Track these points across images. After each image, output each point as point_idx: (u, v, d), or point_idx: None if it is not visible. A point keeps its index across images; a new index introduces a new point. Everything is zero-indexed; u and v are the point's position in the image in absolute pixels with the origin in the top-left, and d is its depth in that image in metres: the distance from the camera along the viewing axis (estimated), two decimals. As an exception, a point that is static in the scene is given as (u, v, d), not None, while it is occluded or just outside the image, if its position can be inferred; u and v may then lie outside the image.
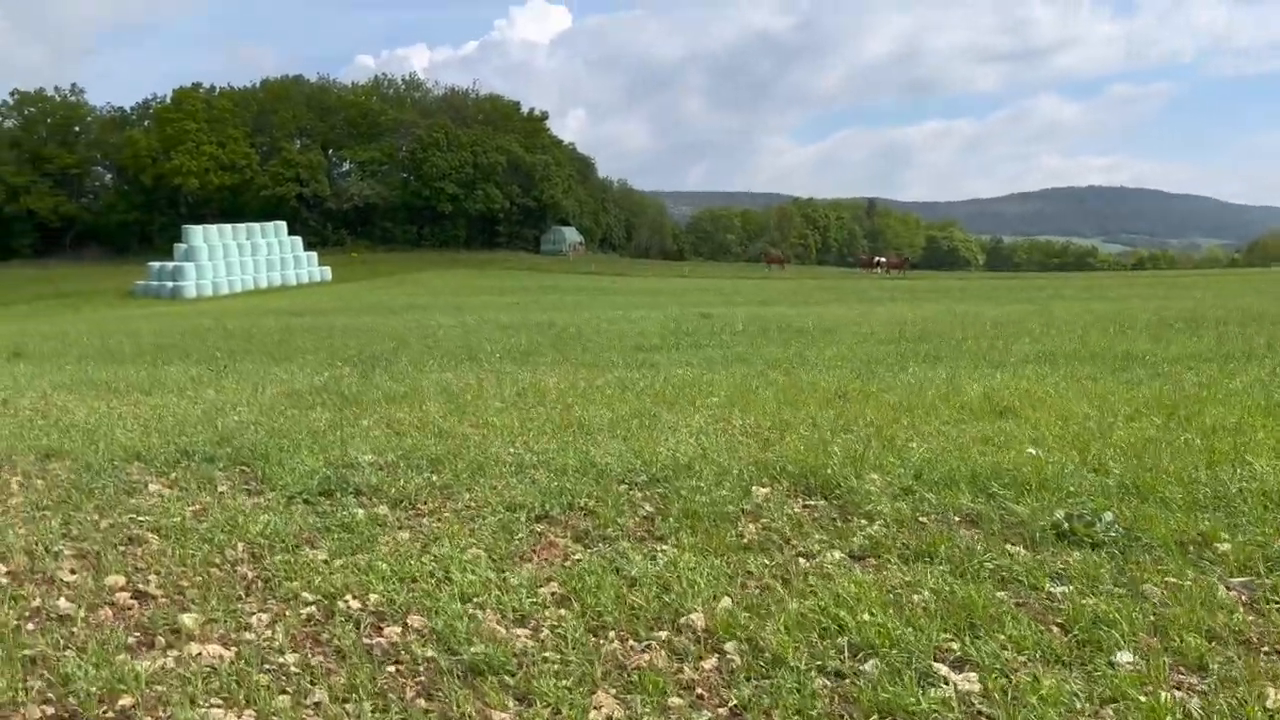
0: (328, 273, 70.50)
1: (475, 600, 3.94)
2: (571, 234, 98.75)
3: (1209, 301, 24.60)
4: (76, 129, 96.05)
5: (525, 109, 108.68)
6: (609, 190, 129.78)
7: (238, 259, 65.11)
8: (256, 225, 69.27)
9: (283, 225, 71.15)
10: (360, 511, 5.20)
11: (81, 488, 5.87)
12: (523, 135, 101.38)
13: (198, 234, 64.08)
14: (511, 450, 6.40)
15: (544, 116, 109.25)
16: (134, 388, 10.45)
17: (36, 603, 4.08)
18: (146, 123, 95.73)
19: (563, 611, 3.80)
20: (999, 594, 3.71)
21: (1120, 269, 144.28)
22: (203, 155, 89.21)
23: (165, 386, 10.47)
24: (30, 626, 3.86)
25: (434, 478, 5.82)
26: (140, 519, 5.23)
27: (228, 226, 67.55)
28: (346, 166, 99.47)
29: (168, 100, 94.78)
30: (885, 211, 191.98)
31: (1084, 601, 3.60)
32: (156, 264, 63.58)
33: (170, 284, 59.86)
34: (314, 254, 72.15)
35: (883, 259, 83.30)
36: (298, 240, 70.78)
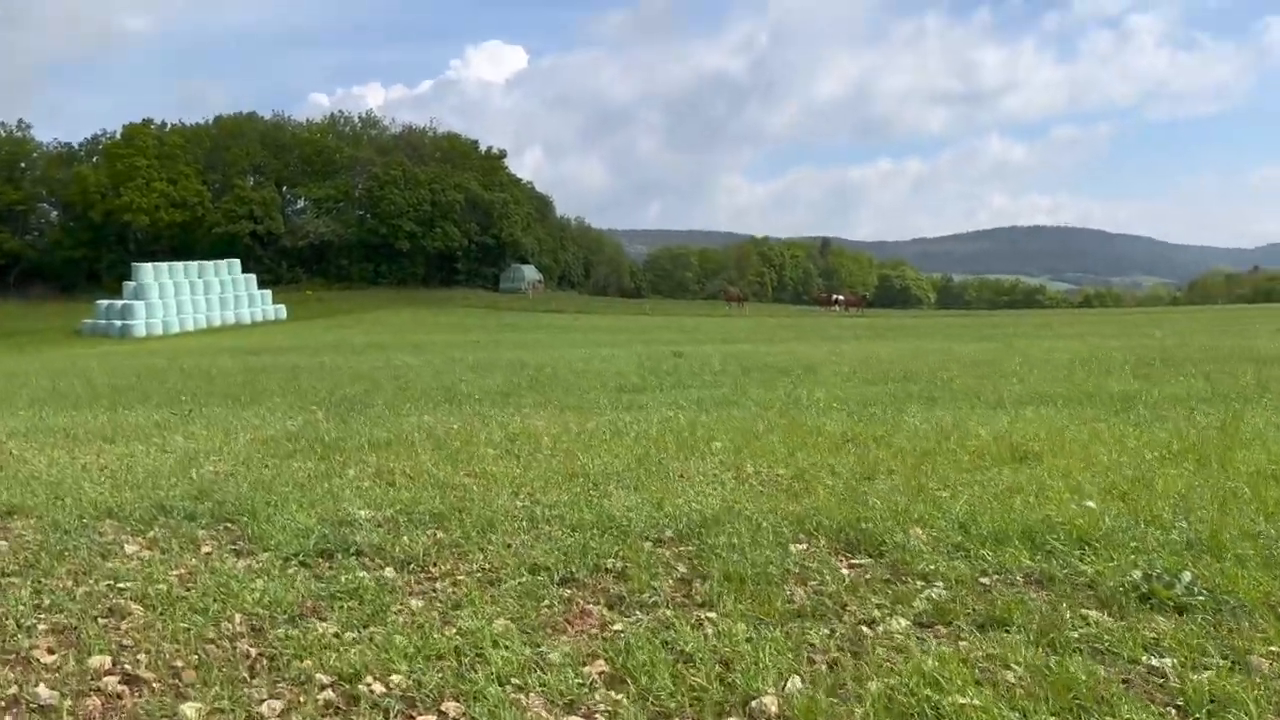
0: (283, 311, 69.37)
1: (514, 682, 3.53)
2: (530, 272, 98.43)
3: (1172, 340, 24.86)
4: (22, 165, 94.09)
5: (483, 148, 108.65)
6: (567, 228, 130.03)
7: (189, 297, 63.85)
8: (209, 263, 68.11)
9: (236, 263, 70.05)
10: (365, 575, 4.76)
11: (51, 550, 5.36)
12: (481, 173, 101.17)
13: (148, 271, 62.76)
14: (519, 503, 6.00)
15: (502, 155, 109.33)
16: (95, 434, 9.86)
17: (13, 690, 3.59)
18: (95, 159, 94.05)
19: (617, 695, 3.41)
20: (1098, 669, 3.38)
21: (1068, 306, 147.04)
22: (153, 192, 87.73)
23: (128, 433, 9.89)
24: (8, 720, 3.39)
25: (440, 534, 5.40)
26: (121, 586, 4.74)
27: (179, 264, 66.34)
28: (301, 204, 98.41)
29: (118, 136, 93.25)
30: (839, 250, 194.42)
31: (1193, 677, 3.29)
32: (104, 302, 62.10)
33: (119, 322, 58.42)
34: (268, 292, 71.04)
35: (840, 297, 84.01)
36: (251, 278, 69.67)
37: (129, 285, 62.23)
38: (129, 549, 5.43)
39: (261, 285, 71.48)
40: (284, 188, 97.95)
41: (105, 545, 5.47)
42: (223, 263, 68.87)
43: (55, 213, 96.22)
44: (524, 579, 4.60)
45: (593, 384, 14.18)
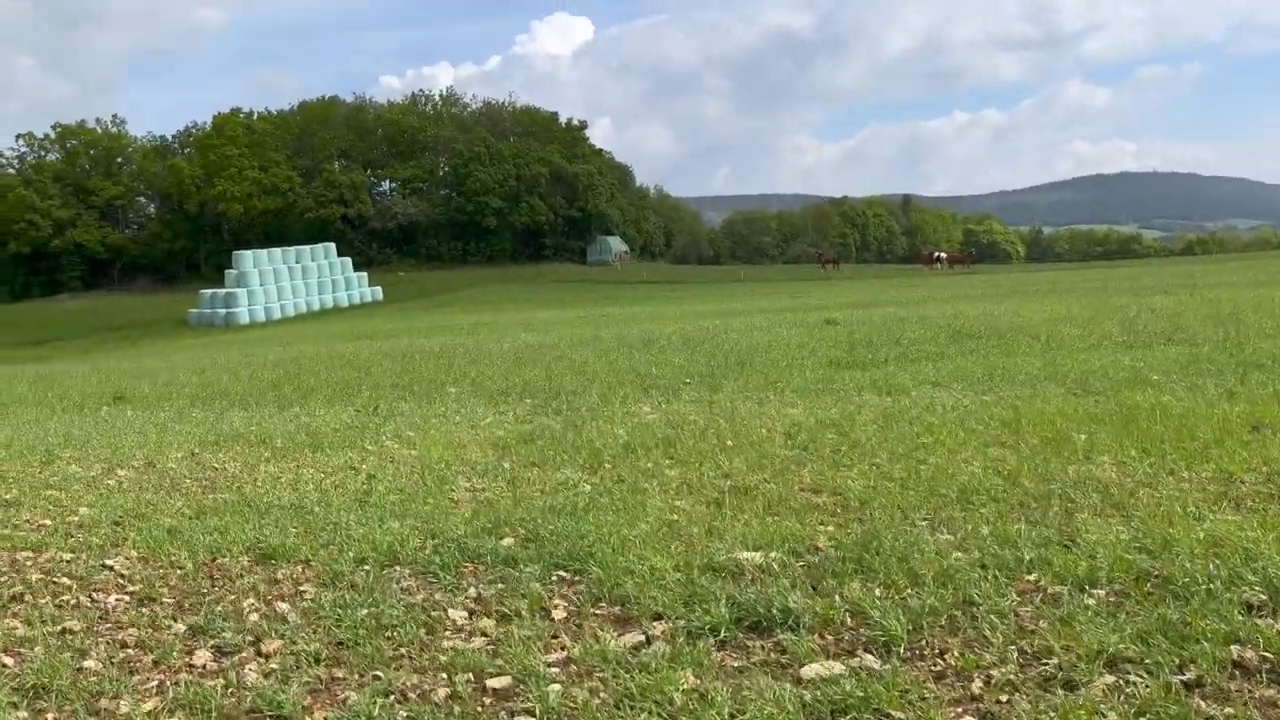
0: (379, 292, 69.36)
1: None
2: (617, 243, 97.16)
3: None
4: (119, 160, 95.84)
5: (562, 119, 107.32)
6: (646, 198, 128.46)
7: (289, 282, 64.10)
8: (306, 248, 68.34)
9: (332, 247, 70.19)
10: (840, 668, 3.31)
11: (356, 620, 4.04)
12: (563, 145, 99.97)
13: (248, 259, 63.11)
14: (943, 536, 4.49)
15: (583, 126, 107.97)
16: (292, 441, 8.68)
17: None
18: (188, 150, 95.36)
19: None
20: None
21: (1166, 254, 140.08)
22: (245, 180, 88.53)
23: (328, 438, 8.68)
24: None
25: (875, 590, 3.93)
26: (492, 685, 3.38)
27: (277, 250, 66.62)
28: (388, 185, 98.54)
29: (208, 127, 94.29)
30: (919, 207, 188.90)
31: None
32: (208, 291, 62.66)
33: (224, 311, 58.85)
34: (364, 274, 71.03)
35: (942, 254, 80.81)
36: (347, 261, 69.74)
37: (230, 274, 62.65)
38: (456, 616, 4.09)
39: (355, 268, 71.54)
40: (370, 170, 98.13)
41: (424, 611, 4.14)
42: (319, 247, 69.05)
43: (152, 206, 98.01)
44: (1077, 669, 3.09)
45: (795, 360, 12.62)
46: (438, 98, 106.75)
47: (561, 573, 4.47)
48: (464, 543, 4.95)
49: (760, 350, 14.17)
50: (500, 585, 4.37)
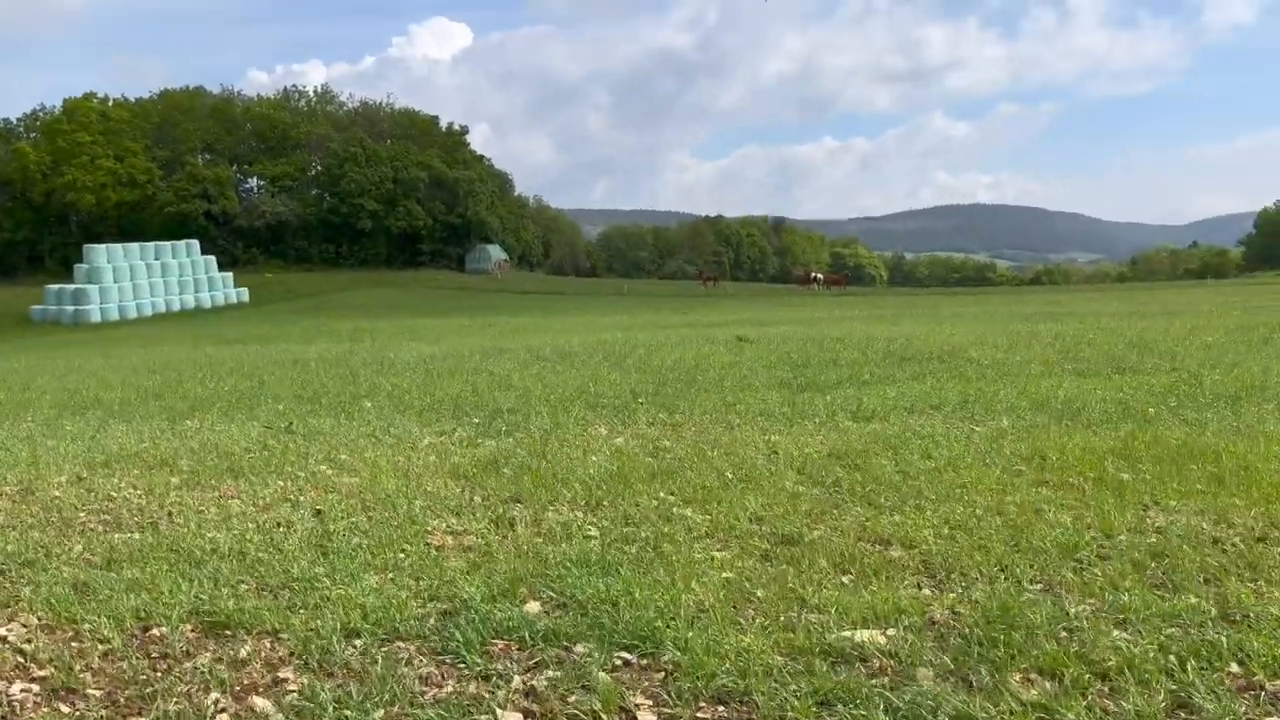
0: (245, 294, 65.68)
1: None
2: (496, 251, 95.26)
3: (1206, 318, 23.06)
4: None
5: (443, 124, 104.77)
6: (526, 207, 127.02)
7: (147, 280, 59.98)
8: (166, 244, 64.15)
9: (195, 244, 66.17)
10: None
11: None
12: (443, 150, 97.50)
13: (100, 254, 58.72)
14: (1080, 608, 3.76)
15: (464, 131, 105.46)
16: (196, 462, 7.39)
17: None
18: (34, 135, 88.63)
19: None
20: None
21: (1017, 283, 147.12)
22: (99, 170, 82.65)
23: (248, 463, 7.43)
24: None
25: (1047, 684, 3.16)
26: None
27: (134, 245, 62.28)
28: (256, 182, 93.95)
29: (58, 111, 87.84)
30: (790, 229, 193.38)
31: None
32: (55, 287, 57.98)
33: (72, 308, 54.51)
34: (229, 275, 67.21)
35: (819, 275, 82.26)
36: (211, 260, 65.83)
37: (80, 268, 58.16)
38: None
39: (220, 268, 67.61)
40: (237, 165, 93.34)
41: (465, 713, 3.15)
42: (180, 244, 64.92)
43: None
44: None
45: (740, 380, 11.90)
46: (312, 94, 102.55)
47: (626, 654, 3.54)
48: (477, 609, 3.95)
49: (693, 368, 13.41)
50: (552, 673, 3.41)
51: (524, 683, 3.35)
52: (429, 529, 5.28)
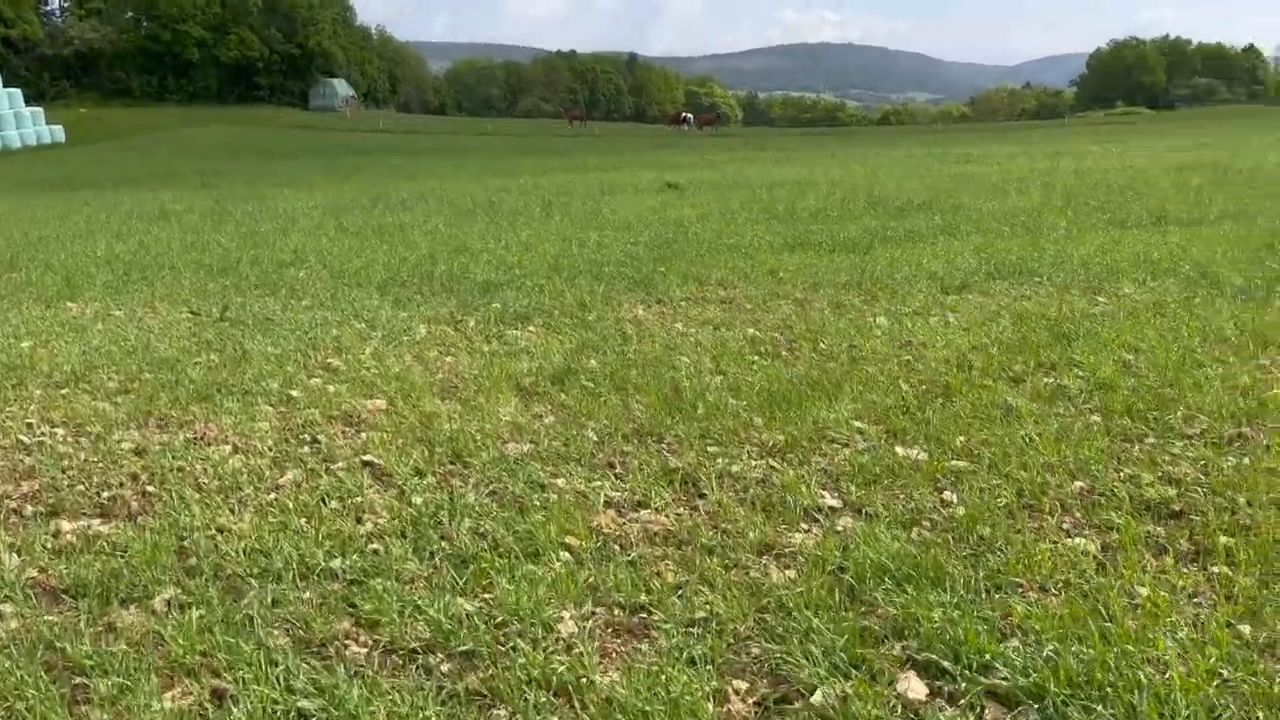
0: (60, 133, 58.51)
1: None
2: (343, 87, 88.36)
3: (1147, 158, 22.69)
4: None
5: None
6: (369, 39, 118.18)
7: (-60, 117, 52.38)
8: (-42, 75, 55.96)
9: (-5, 75, 58.02)
10: None
11: None
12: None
13: (-124, 85, 50.62)
14: None
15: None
16: (128, 379, 5.28)
17: None
18: None
19: None
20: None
21: (868, 123, 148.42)
22: None
23: (184, 369, 5.36)
24: None
25: None
26: None
27: (-82, 76, 54.03)
28: (58, 3, 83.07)
29: None
30: (644, 66, 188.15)
31: None
32: None
33: None
34: (39, 110, 59.57)
35: (689, 116, 79.89)
36: (16, 94, 58.07)
37: None
38: None
39: (25, 103, 59.75)
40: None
41: None
42: (-24, 75, 56.79)
43: None
44: None
45: (745, 242, 10.20)
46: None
47: None
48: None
49: (675, 225, 11.64)
50: None
51: None
52: (575, 503, 3.50)
